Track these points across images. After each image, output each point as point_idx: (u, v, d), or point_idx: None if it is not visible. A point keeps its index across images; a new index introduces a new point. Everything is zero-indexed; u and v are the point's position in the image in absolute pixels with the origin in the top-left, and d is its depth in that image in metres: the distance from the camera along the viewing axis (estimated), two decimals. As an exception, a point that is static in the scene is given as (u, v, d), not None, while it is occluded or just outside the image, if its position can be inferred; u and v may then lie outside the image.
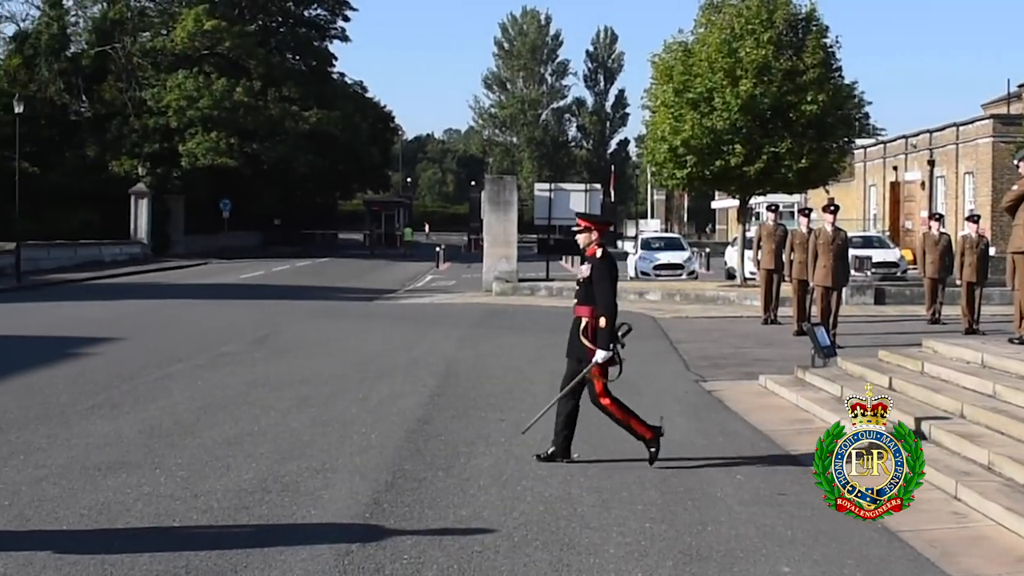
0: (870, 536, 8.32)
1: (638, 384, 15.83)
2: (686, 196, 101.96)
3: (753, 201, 39.14)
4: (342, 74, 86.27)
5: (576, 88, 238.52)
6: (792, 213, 47.35)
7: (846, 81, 34.50)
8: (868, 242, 43.04)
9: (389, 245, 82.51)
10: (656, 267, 41.51)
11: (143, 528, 8.26)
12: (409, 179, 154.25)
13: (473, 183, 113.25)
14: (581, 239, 10.58)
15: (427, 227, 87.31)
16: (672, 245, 45.56)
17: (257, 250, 75.54)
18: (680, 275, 41.05)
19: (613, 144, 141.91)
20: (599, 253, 10.39)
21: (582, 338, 10.34)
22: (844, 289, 22.91)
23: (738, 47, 32.56)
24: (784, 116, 32.93)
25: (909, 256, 42.22)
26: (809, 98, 32.27)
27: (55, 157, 65.54)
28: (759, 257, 25.11)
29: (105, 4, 70.62)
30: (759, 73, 32.34)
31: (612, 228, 9.99)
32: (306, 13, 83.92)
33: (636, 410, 10.56)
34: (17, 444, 11.07)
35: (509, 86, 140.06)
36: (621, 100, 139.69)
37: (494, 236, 37.21)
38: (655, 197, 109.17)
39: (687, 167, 33.45)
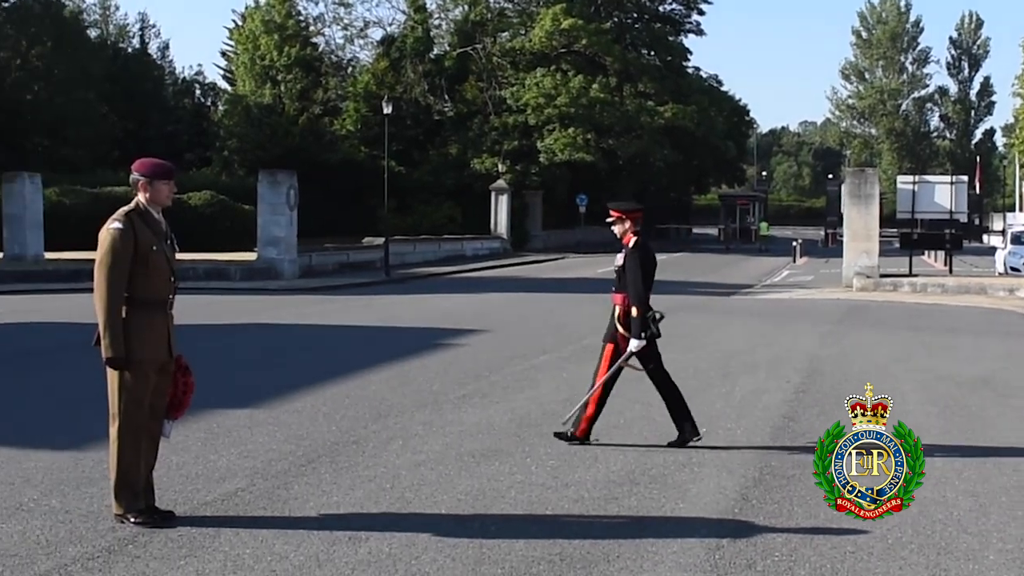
0: None
1: (1011, 385, 15.22)
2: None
3: None
4: (697, 68, 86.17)
5: (938, 76, 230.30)
6: None
7: None
8: None
9: (744, 240, 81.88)
10: (1027, 263, 39.82)
11: (517, 515, 8.46)
12: (764, 173, 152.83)
13: (830, 176, 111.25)
14: (616, 230, 10.93)
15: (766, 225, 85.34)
16: (1044, 239, 43.50)
17: (612, 244, 76.08)
18: (1053, 271, 39.20)
19: (978, 134, 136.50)
20: (633, 242, 10.65)
21: (617, 325, 10.72)
22: None
23: (1121, 29, 30.75)
24: None
25: None
26: None
27: (420, 155, 68.37)
28: None
29: (466, 7, 72.92)
30: None
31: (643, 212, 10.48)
32: (661, 8, 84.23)
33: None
34: (395, 430, 11.56)
35: (868, 76, 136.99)
36: (987, 88, 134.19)
37: (854, 230, 36.38)
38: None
39: (1062, 156, 31.84)
